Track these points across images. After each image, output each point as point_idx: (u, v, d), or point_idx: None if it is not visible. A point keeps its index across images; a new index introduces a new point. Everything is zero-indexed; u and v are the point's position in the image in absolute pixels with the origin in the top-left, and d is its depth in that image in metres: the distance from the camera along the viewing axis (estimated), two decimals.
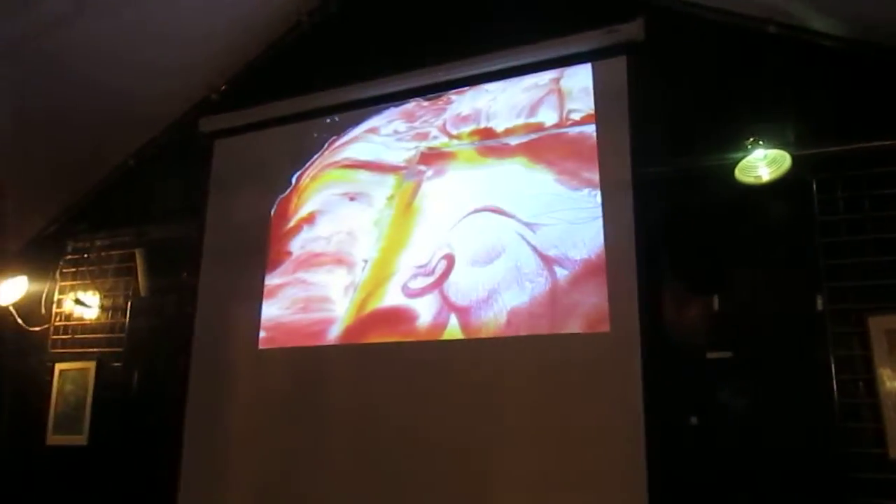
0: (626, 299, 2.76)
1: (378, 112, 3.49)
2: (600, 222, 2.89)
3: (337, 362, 3.24)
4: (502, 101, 3.22)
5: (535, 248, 2.97)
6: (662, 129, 2.95)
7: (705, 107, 2.95)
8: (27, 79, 3.42)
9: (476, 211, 3.13)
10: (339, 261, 3.36)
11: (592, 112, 3.03)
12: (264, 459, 3.34)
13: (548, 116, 3.12)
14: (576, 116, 3.07)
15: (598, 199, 2.92)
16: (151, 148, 4.12)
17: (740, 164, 2.66)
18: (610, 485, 2.65)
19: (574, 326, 2.83)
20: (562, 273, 2.90)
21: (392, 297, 3.18)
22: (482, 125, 3.26)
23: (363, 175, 3.44)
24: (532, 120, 3.15)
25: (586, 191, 2.95)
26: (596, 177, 2.95)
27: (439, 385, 3.01)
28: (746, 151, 2.64)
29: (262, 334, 3.46)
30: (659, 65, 3.01)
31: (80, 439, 3.99)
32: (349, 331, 3.24)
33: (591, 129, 3.02)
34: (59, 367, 4.18)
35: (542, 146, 3.09)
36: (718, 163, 2.74)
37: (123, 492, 3.78)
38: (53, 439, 4.10)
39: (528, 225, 3.01)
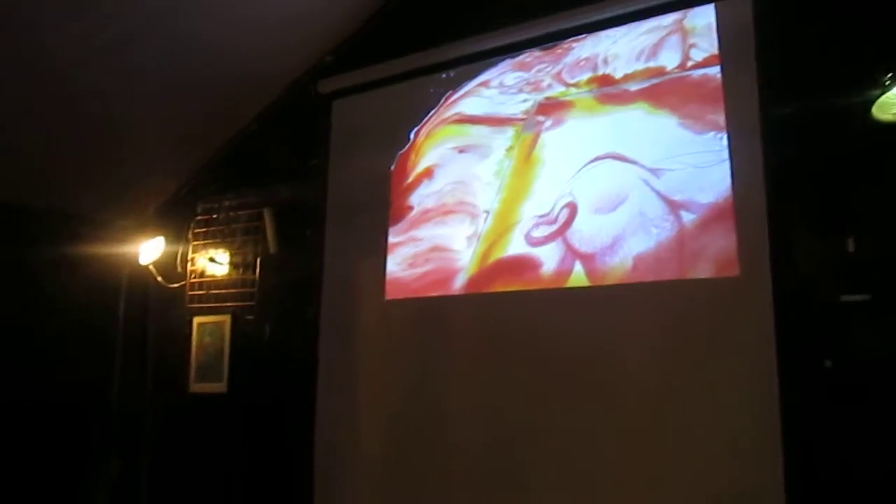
0: (756, 242, 2.73)
1: (493, 65, 3.53)
2: (727, 165, 2.85)
3: (462, 312, 3.35)
4: (621, 47, 3.20)
5: (659, 194, 2.96)
6: (792, 68, 2.86)
7: (838, 42, 2.83)
8: (158, 53, 3.60)
9: (597, 159, 3.14)
10: (461, 212, 3.44)
11: (716, 53, 2.97)
12: (393, 403, 3.51)
13: (669, 60, 3.08)
14: (699, 58, 3.01)
15: (725, 141, 2.87)
16: (272, 111, 4.28)
17: (878, 102, 2.57)
18: (743, 432, 2.64)
19: (702, 271, 2.82)
20: (688, 217, 2.89)
21: (515, 247, 3.24)
22: (600, 72, 3.25)
23: (481, 128, 3.50)
24: (653, 64, 3.12)
25: (712, 134, 2.91)
26: (722, 119, 2.90)
27: (565, 331, 3.07)
28: (884, 88, 2.54)
29: (387, 286, 3.60)
30: None
31: (220, 387, 4.28)
32: (473, 280, 3.33)
33: (715, 70, 2.96)
34: (196, 320, 4.47)
35: (664, 90, 3.06)
36: (853, 101, 2.65)
37: (262, 434, 4.06)
38: (195, 387, 4.41)
39: (651, 171, 3.00)
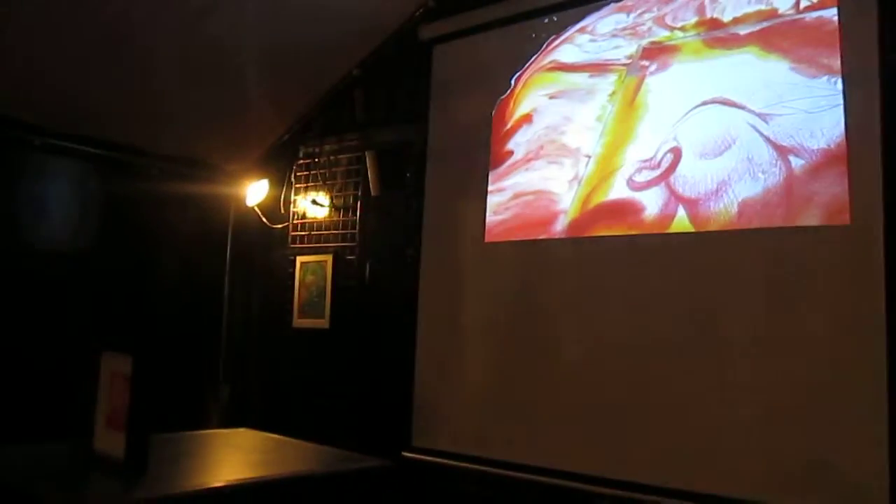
0: (869, 190, 2.70)
1: (597, 9, 3.52)
2: (841, 110, 2.81)
3: (563, 255, 3.44)
4: None
5: (768, 139, 2.95)
6: None
7: None
8: (266, 6, 3.73)
9: (704, 103, 3.13)
10: (562, 157, 3.50)
11: None
12: (493, 339, 3.65)
13: (782, 1, 3.02)
14: (814, 0, 2.95)
15: (839, 86, 2.82)
16: (374, 57, 4.39)
17: None
18: (848, 387, 2.66)
19: (811, 218, 2.81)
20: (797, 163, 2.87)
21: (617, 191, 3.29)
22: (708, 15, 3.21)
23: (583, 74, 3.52)
24: (764, 6, 3.06)
25: (825, 78, 2.86)
26: (836, 63, 2.84)
27: (667, 277, 3.13)
28: None
29: (487, 228, 3.71)
30: None
31: (322, 323, 4.52)
32: (574, 224, 3.40)
33: (831, 13, 2.90)
34: (299, 259, 4.70)
35: (776, 34, 3.01)
36: None
37: (363, 366, 4.28)
38: (298, 322, 4.66)
39: (760, 115, 2.98)
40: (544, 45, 3.66)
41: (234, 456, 2.01)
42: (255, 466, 1.94)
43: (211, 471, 1.81)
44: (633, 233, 3.21)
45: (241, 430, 2.33)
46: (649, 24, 3.36)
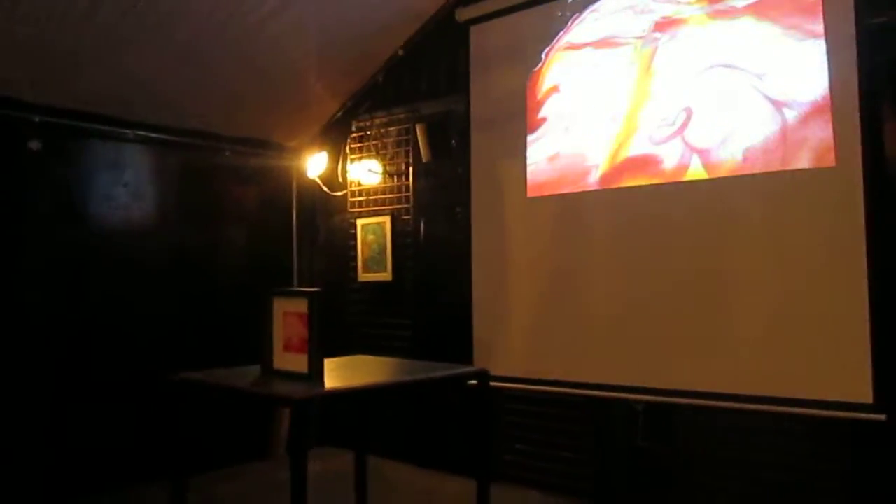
0: (850, 135, 3.27)
1: None
2: (825, 68, 3.36)
3: (596, 204, 4.04)
4: None
5: (765, 95, 3.51)
6: None
7: None
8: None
9: (710, 67, 3.69)
10: (591, 120, 4.08)
11: None
12: (539, 282, 4.28)
13: None
14: None
15: (824, 47, 3.37)
16: (417, 39, 4.95)
17: None
18: (836, 306, 3.27)
19: (803, 161, 3.40)
20: (790, 114, 3.44)
21: (640, 146, 3.88)
22: None
23: (602, 48, 4.07)
24: None
25: (811, 41, 3.41)
26: (820, 28, 3.39)
27: (685, 218, 3.73)
28: None
29: (528, 185, 4.32)
30: None
31: (386, 276, 5.18)
32: (605, 177, 4.01)
33: None
34: (359, 222, 5.35)
35: (768, 5, 3.55)
36: None
37: (426, 310, 4.95)
38: (364, 276, 5.32)
39: (758, 76, 3.54)
40: (570, 23, 4.21)
41: (370, 367, 2.71)
42: (388, 374, 2.63)
43: (360, 378, 2.48)
44: (656, 182, 3.81)
45: (357, 355, 3.00)
46: (659, 2, 3.89)
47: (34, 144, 4.19)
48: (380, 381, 2.42)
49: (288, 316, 2.34)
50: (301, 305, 2.26)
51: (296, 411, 1.97)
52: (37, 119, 4.17)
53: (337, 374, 2.44)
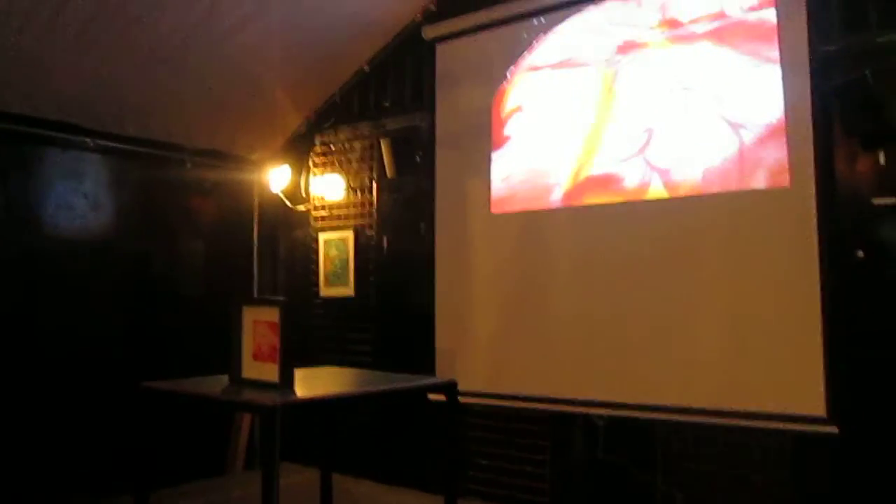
0: (803, 157, 3.41)
1: (578, 11, 4.16)
2: (781, 92, 3.49)
3: (559, 222, 4.11)
4: None
5: (723, 117, 3.63)
6: (839, 10, 3.45)
7: None
8: (274, 2, 4.28)
9: (670, 90, 3.80)
10: (555, 138, 4.16)
11: None
12: (501, 294, 4.33)
13: (729, 5, 3.68)
14: (755, 3, 3.61)
15: (779, 72, 3.51)
16: (382, 55, 4.99)
17: None
18: (789, 327, 3.38)
19: (759, 181, 3.52)
20: (747, 136, 3.56)
21: (602, 165, 3.97)
22: (669, 17, 3.87)
23: (565, 68, 4.17)
24: (714, 10, 3.73)
25: (767, 66, 3.55)
26: (775, 54, 3.53)
27: (645, 235, 3.82)
28: None
29: (493, 201, 4.37)
30: None
31: (348, 291, 5.17)
32: (567, 195, 4.08)
33: (770, 13, 3.57)
34: (322, 236, 5.34)
35: (726, 31, 3.68)
36: (888, 39, 3.26)
37: (388, 325, 4.94)
38: (325, 292, 5.30)
39: (716, 98, 3.66)
40: (533, 43, 4.29)
41: (338, 378, 2.70)
42: (358, 384, 2.62)
43: (330, 387, 2.48)
44: (618, 200, 3.90)
45: (322, 367, 2.99)
46: (621, 25, 4.01)
47: None
48: (352, 390, 2.42)
49: (258, 325, 2.33)
50: (272, 314, 2.26)
51: (269, 419, 1.96)
52: None
53: (305, 383, 2.43)
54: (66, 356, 4.40)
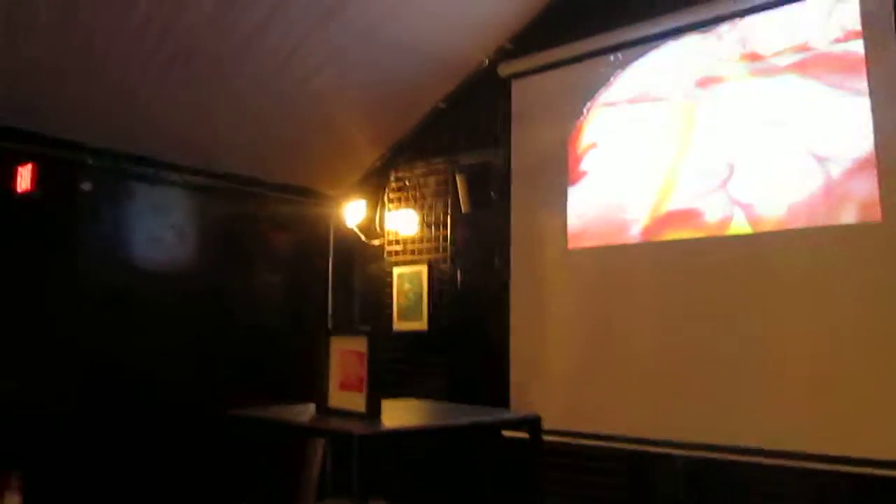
0: (895, 189, 3.30)
1: (656, 47, 4.15)
2: (870, 125, 3.39)
3: (637, 257, 4.06)
4: (769, 27, 3.75)
5: (808, 150, 3.55)
6: None
7: None
8: (351, 45, 4.40)
9: (752, 123, 3.74)
10: (633, 172, 4.13)
11: (859, 29, 3.49)
12: (578, 331, 4.28)
13: (813, 37, 3.62)
14: (841, 35, 3.54)
15: (868, 104, 3.41)
16: (458, 92, 5.07)
17: None
18: (879, 369, 3.22)
19: (848, 216, 3.41)
20: (834, 169, 3.47)
21: (682, 200, 3.91)
22: (750, 50, 3.83)
23: (645, 101, 4.15)
24: (798, 42, 3.67)
25: (855, 98, 3.45)
26: (864, 85, 3.44)
27: (728, 272, 3.73)
28: None
29: (569, 236, 4.35)
30: None
31: (421, 325, 5.19)
32: (646, 230, 4.03)
33: (857, 45, 3.49)
34: (396, 270, 5.39)
35: (810, 63, 3.61)
36: None
37: (461, 361, 4.94)
38: (398, 326, 5.33)
39: (800, 131, 3.58)
40: (611, 79, 4.30)
41: (415, 409, 2.72)
42: (440, 416, 2.63)
43: (415, 419, 2.49)
44: (699, 235, 3.83)
45: (401, 399, 3.01)
46: (700, 59, 3.98)
47: (86, 186, 4.32)
48: (437, 422, 2.43)
49: (345, 354, 2.37)
50: (360, 344, 2.29)
51: (358, 448, 1.97)
52: (90, 161, 4.31)
53: (387, 414, 2.44)
54: (154, 382, 4.54)
